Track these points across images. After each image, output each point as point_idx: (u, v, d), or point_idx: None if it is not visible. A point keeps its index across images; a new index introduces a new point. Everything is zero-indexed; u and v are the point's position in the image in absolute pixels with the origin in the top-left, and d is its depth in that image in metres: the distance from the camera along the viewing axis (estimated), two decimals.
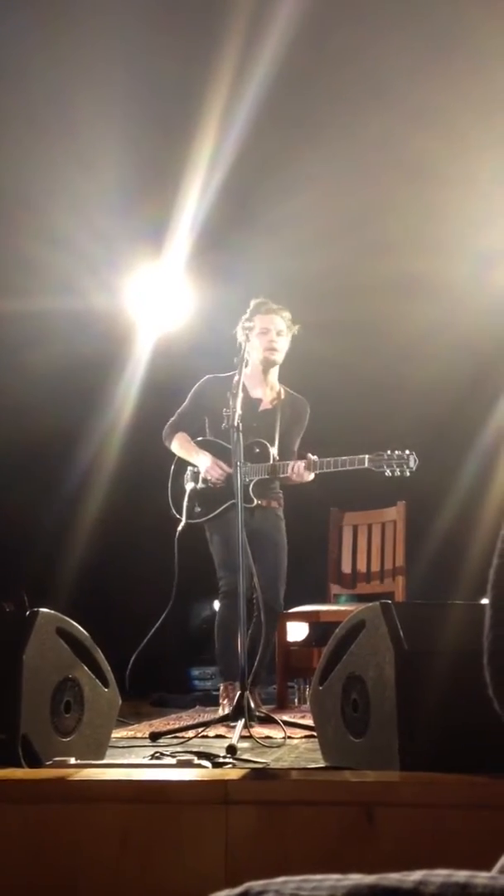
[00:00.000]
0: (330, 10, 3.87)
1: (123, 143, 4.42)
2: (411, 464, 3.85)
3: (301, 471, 3.89)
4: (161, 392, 5.35)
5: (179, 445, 4.13)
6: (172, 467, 4.14)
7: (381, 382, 5.11)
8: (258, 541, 3.87)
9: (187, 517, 3.98)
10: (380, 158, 4.57)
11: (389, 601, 2.28)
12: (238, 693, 3.07)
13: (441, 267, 4.94)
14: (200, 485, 4.02)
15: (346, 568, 4.73)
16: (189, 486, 4.04)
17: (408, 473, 3.85)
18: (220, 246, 4.98)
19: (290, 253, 4.93)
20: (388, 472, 3.85)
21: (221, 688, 3.97)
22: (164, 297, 5.30)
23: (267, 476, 3.95)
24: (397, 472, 3.85)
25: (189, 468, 4.08)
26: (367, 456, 3.85)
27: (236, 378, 3.44)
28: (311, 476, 3.91)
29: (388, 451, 3.86)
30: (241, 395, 3.40)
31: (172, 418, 4.21)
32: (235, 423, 3.35)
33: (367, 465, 3.85)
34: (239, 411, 3.36)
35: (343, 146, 4.46)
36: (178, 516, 4.01)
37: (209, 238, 4.94)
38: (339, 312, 4.81)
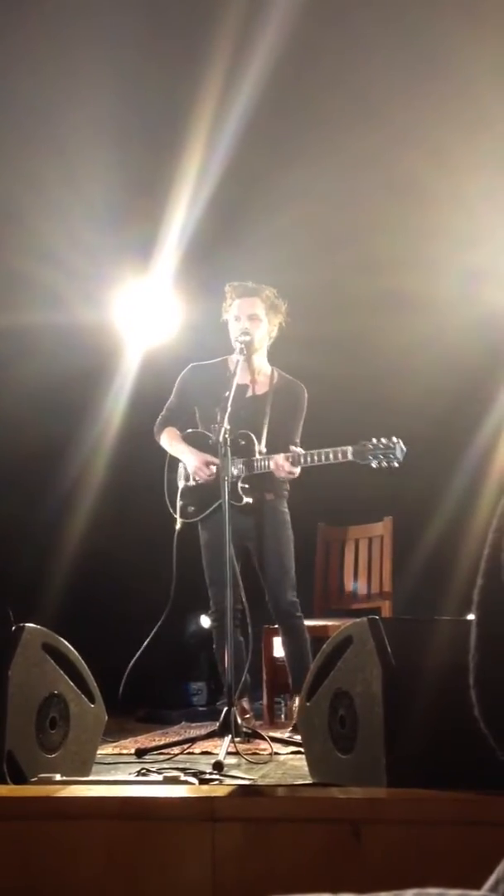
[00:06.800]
0: (319, 30, 3.91)
1: (111, 159, 4.44)
2: (398, 453, 3.52)
3: (282, 464, 3.59)
4: (148, 406, 5.34)
5: (168, 442, 3.97)
6: (166, 462, 3.99)
7: (368, 397, 5.13)
8: (259, 539, 3.74)
9: (181, 516, 3.84)
10: (368, 177, 4.60)
11: (377, 617, 2.27)
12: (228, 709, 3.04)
13: (429, 284, 4.97)
14: (191, 482, 3.87)
15: (333, 583, 4.72)
16: (181, 483, 3.89)
17: (395, 464, 3.52)
18: (207, 261, 5.00)
19: (278, 269, 4.94)
20: (374, 464, 3.52)
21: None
22: (152, 312, 5.31)
23: (245, 473, 3.66)
24: (384, 463, 3.51)
25: (180, 463, 3.94)
26: (350, 447, 3.54)
27: (227, 394, 3.39)
28: (297, 470, 3.61)
29: (374, 440, 3.53)
30: (230, 408, 3.35)
31: (162, 413, 4.07)
32: (221, 439, 3.30)
33: (350, 456, 3.53)
34: (227, 426, 3.31)
35: (331, 164, 4.49)
36: (173, 514, 3.86)
37: (197, 253, 4.96)
38: (327, 328, 4.82)
